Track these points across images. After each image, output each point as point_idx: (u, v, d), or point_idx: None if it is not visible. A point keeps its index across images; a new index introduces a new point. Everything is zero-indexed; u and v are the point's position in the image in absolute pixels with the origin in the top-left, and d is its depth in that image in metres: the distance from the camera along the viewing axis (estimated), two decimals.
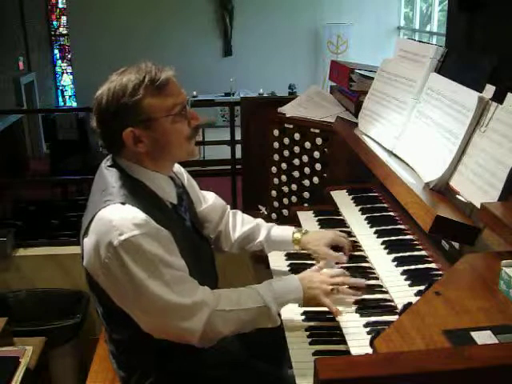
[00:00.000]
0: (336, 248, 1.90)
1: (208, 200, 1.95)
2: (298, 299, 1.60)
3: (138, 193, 1.51)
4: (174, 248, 1.49)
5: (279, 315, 1.59)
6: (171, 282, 1.44)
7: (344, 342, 1.47)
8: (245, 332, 1.58)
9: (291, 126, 2.50)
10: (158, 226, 1.45)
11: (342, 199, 2.22)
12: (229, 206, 2.02)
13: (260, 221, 2.00)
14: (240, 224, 1.97)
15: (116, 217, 1.42)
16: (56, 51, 11.83)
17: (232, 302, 1.53)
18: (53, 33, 11.68)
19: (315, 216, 2.22)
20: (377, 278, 1.71)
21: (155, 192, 1.57)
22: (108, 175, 1.55)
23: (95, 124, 1.55)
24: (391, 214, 2.02)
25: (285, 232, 1.96)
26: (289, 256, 2.02)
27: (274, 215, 2.64)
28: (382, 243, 1.81)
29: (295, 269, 1.94)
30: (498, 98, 1.52)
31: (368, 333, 1.46)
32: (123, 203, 1.45)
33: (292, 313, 1.67)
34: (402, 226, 1.91)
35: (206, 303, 1.48)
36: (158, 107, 1.50)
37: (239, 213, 2.02)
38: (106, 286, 1.48)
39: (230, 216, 1.98)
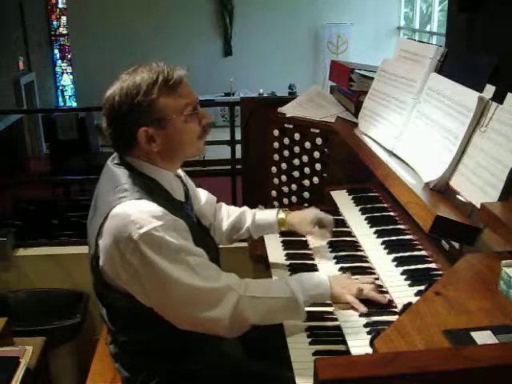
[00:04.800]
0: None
1: (202, 196, 1.97)
2: (325, 294, 1.60)
3: (150, 189, 1.51)
4: (190, 237, 1.50)
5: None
6: (196, 267, 1.44)
7: (344, 342, 1.47)
8: (274, 323, 1.58)
9: (291, 126, 2.50)
10: (175, 217, 1.45)
11: (342, 199, 2.22)
12: (216, 199, 2.05)
13: (245, 208, 2.04)
14: (226, 215, 2.01)
15: (133, 211, 1.41)
16: (56, 51, 11.84)
17: (260, 290, 1.54)
18: (53, 33, 11.69)
19: None
20: (377, 278, 1.71)
21: (166, 189, 1.58)
22: (118, 173, 1.54)
23: (105, 123, 1.54)
24: (391, 213, 2.02)
25: (269, 215, 2.01)
26: (288, 256, 2.02)
27: None
28: (382, 243, 1.81)
29: (295, 269, 1.94)
30: (498, 98, 1.52)
31: (368, 333, 1.46)
32: (139, 198, 1.45)
33: None
34: (402, 226, 1.91)
35: (232, 288, 1.48)
36: (172, 107, 1.50)
37: (224, 205, 2.05)
38: (128, 284, 1.46)
39: (217, 209, 2.02)
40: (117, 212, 1.43)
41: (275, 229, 2.00)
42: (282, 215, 1.98)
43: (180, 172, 1.81)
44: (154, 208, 1.43)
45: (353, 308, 1.58)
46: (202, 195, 1.97)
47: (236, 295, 1.47)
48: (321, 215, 1.98)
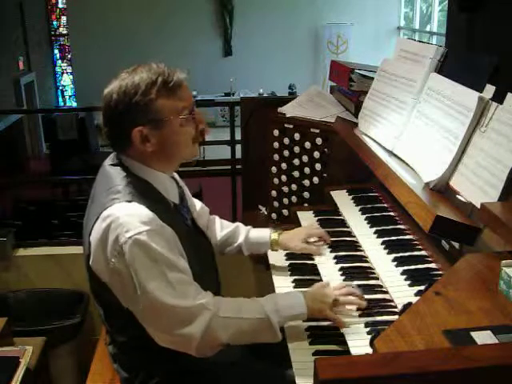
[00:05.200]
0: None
1: (196, 205, 1.95)
2: (301, 314, 1.57)
3: (143, 191, 1.51)
4: (177, 248, 1.50)
5: (283, 331, 1.57)
6: (174, 282, 1.44)
7: (344, 342, 1.48)
8: (244, 343, 1.57)
9: (291, 126, 2.50)
10: (163, 223, 1.46)
11: (342, 199, 2.22)
12: (209, 210, 2.04)
13: (239, 224, 2.02)
14: (219, 228, 2.00)
15: (123, 214, 1.43)
16: (56, 51, 11.84)
17: (233, 310, 1.52)
18: (53, 33, 11.69)
19: (315, 216, 2.22)
20: (377, 278, 1.72)
21: (159, 191, 1.58)
22: (113, 174, 1.55)
23: (102, 121, 1.55)
24: (391, 213, 2.02)
25: (262, 233, 1.99)
26: (288, 256, 2.02)
27: (274, 215, 2.64)
28: (382, 243, 1.81)
29: (295, 269, 1.94)
30: (498, 97, 1.52)
31: (368, 333, 1.47)
32: (130, 201, 1.46)
33: None
34: (402, 226, 1.91)
35: (207, 307, 1.48)
36: (169, 108, 1.51)
37: (217, 218, 2.05)
38: (111, 284, 1.49)
39: (210, 220, 2.01)
40: (107, 214, 1.44)
41: (268, 248, 1.98)
42: (274, 236, 1.97)
43: (175, 176, 1.81)
44: (144, 212, 1.44)
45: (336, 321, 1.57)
46: (196, 204, 1.97)
47: (209, 314, 1.47)
48: (311, 232, 1.97)
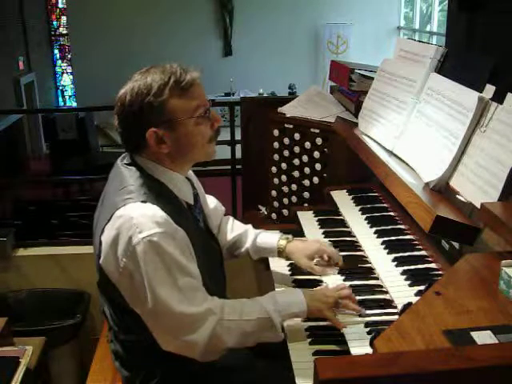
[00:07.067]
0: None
1: (210, 203, 1.93)
2: (301, 312, 1.57)
3: (157, 192, 1.51)
4: (189, 251, 1.49)
5: (283, 331, 1.56)
6: (183, 287, 1.44)
7: (344, 342, 1.47)
8: (248, 345, 1.57)
9: (291, 126, 2.50)
10: (176, 226, 1.45)
11: (342, 199, 2.22)
12: (224, 210, 2.01)
13: (249, 227, 1.97)
14: (230, 230, 1.96)
15: (136, 214, 1.42)
16: (56, 51, 11.83)
17: (236, 312, 1.52)
18: (53, 33, 11.68)
19: (315, 216, 2.22)
20: (377, 278, 1.72)
21: (173, 192, 1.57)
22: (127, 174, 1.54)
23: (116, 123, 1.54)
24: (391, 213, 2.02)
25: (270, 239, 1.91)
26: None
27: (274, 215, 2.64)
28: (382, 243, 1.81)
29: (295, 270, 1.94)
30: (498, 98, 1.52)
31: (368, 333, 1.47)
32: (144, 201, 1.45)
33: None
34: (402, 226, 1.91)
35: (213, 312, 1.48)
36: (183, 109, 1.50)
37: (231, 218, 2.01)
38: (120, 285, 1.48)
39: (223, 221, 1.98)
40: (121, 213, 1.44)
41: (275, 254, 1.90)
42: (282, 242, 1.88)
43: (192, 175, 1.79)
44: (158, 213, 1.43)
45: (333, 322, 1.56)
46: (211, 203, 1.94)
47: (215, 320, 1.47)
48: (322, 250, 1.82)
